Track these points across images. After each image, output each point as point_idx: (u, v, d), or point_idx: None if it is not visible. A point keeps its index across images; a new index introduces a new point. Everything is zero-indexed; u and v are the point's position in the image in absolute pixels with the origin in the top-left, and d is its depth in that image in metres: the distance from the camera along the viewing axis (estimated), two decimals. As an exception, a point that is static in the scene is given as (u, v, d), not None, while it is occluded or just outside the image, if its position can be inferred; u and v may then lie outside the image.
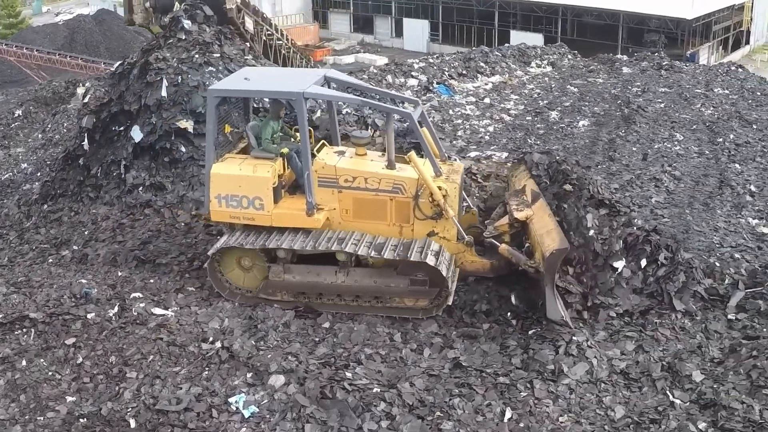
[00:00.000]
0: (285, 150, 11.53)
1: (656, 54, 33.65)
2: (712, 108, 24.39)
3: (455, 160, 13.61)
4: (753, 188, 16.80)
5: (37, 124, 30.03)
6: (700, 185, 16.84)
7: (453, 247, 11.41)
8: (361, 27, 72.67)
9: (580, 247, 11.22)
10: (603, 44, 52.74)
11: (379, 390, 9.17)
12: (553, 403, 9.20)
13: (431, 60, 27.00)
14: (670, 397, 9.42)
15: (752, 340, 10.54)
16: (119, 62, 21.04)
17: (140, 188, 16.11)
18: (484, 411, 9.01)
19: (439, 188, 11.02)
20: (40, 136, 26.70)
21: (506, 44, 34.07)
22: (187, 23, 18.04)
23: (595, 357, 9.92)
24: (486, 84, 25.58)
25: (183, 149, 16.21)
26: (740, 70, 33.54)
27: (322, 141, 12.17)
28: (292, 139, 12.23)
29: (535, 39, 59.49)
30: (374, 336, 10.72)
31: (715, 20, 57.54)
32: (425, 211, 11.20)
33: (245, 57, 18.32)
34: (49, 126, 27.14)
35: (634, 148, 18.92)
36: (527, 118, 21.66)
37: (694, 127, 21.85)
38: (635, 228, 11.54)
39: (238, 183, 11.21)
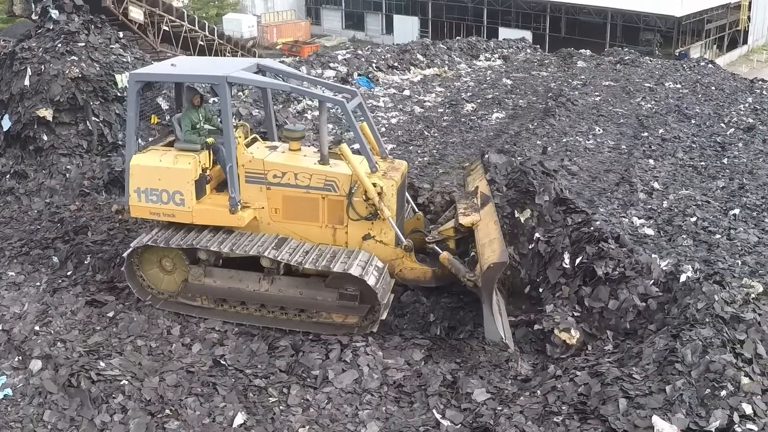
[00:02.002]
0: (210, 139, 10.37)
1: (650, 52, 32.43)
2: (653, 102, 22.92)
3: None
4: (656, 185, 15.30)
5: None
6: (597, 181, 15.38)
7: (390, 252, 10.12)
8: (355, 23, 71.59)
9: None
10: (595, 42, 51.09)
11: (124, 382, 8.59)
12: (303, 412, 8.32)
13: (360, 51, 25.60)
14: (438, 416, 8.14)
15: (566, 359, 9.14)
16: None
17: (7, 176, 15.74)
18: (216, 414, 8.26)
19: (375, 185, 9.75)
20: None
21: (457, 37, 32.56)
22: (54, 13, 17.59)
23: (368, 365, 8.93)
24: (416, 76, 24.13)
25: (45, 138, 15.84)
26: (710, 65, 32.00)
27: (254, 135, 10.96)
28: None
29: (524, 36, 58.19)
30: (152, 328, 10.06)
31: (708, 18, 55.51)
32: (359, 211, 9.91)
33: (111, 46, 17.43)
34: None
35: (539, 142, 17.45)
36: (439, 110, 20.25)
37: (622, 121, 20.37)
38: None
39: (158, 176, 10.06)
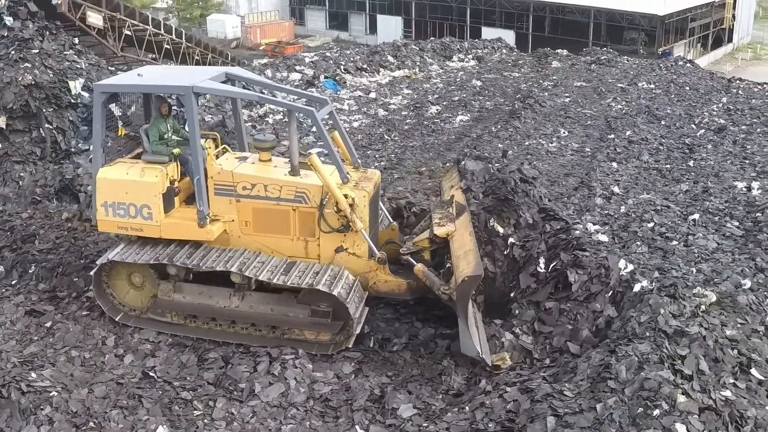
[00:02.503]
0: (176, 150, 10.08)
1: (634, 51, 32.22)
2: (624, 103, 22.58)
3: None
4: (617, 189, 14.95)
5: None
6: (555, 186, 15.02)
7: (363, 265, 9.88)
8: (340, 23, 71.19)
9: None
10: (578, 42, 50.83)
11: (54, 394, 8.47)
12: (226, 426, 8.20)
13: (328, 54, 25.23)
14: (361, 432, 7.90)
15: (501, 371, 8.83)
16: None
17: (-35, 182, 15.55)
18: (138, 427, 8.14)
19: (346, 196, 9.46)
20: None
21: (431, 38, 32.22)
22: (8, 20, 17.37)
23: (295, 379, 8.79)
24: (384, 78, 23.76)
25: (-1, 145, 15.62)
26: (689, 65, 31.72)
27: (224, 146, 10.64)
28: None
29: (507, 36, 57.73)
30: (88, 338, 9.93)
31: (692, 17, 55.26)
32: (331, 223, 9.65)
33: (65, 52, 17.26)
34: None
35: (500, 145, 17.07)
36: (403, 113, 19.88)
37: (590, 122, 20.02)
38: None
39: (125, 189, 9.86)
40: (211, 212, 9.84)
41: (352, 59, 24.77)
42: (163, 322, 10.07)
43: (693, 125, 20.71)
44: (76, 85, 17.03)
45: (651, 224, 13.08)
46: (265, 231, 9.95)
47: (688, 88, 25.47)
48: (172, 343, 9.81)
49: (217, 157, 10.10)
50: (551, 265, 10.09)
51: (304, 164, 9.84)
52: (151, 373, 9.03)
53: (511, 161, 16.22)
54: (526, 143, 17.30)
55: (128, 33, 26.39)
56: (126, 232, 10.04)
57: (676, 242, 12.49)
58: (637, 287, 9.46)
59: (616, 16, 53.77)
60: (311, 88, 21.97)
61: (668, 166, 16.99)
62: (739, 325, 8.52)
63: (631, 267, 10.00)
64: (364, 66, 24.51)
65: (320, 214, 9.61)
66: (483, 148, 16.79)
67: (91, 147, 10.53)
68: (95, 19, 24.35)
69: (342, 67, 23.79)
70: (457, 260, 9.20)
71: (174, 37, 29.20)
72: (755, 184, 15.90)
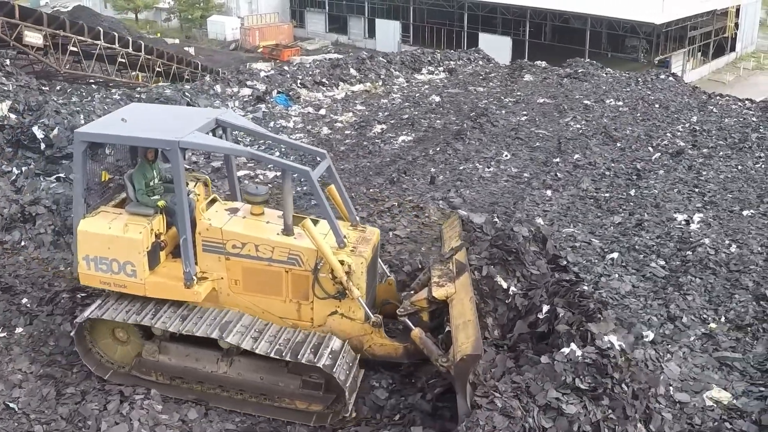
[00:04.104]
0: (161, 203, 9.42)
1: (635, 59, 31.40)
2: (584, 122, 21.85)
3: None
4: (541, 222, 14.25)
5: None
6: (477, 217, 14.30)
7: (358, 328, 9.32)
8: (340, 27, 70.78)
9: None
10: (576, 50, 50.02)
11: None
12: None
13: (286, 67, 24.72)
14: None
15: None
16: None
17: None
18: None
19: (342, 263, 8.91)
20: None
21: (404, 50, 31.63)
22: None
23: (140, 420, 8.56)
24: (341, 93, 23.20)
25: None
26: (671, 78, 30.90)
27: (214, 196, 10.06)
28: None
29: (503, 42, 57.22)
30: None
31: (692, 26, 54.20)
32: (327, 289, 9.10)
33: None
34: None
35: (433, 169, 16.45)
36: (347, 131, 19.29)
37: (539, 144, 19.31)
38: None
39: (107, 244, 9.21)
40: (199, 269, 9.28)
41: (311, 73, 24.20)
42: (149, 381, 9.53)
43: (650, 147, 19.94)
44: (2, 108, 16.72)
45: (563, 263, 12.42)
46: (256, 291, 9.40)
47: (657, 105, 24.63)
48: (42, 374, 9.48)
49: (207, 207, 9.52)
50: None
51: (301, 217, 9.29)
52: (12, 405, 8.79)
53: (438, 188, 15.66)
54: (461, 167, 16.63)
55: (74, 49, 25.96)
56: (109, 287, 9.46)
57: (586, 285, 11.82)
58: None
59: (613, 24, 52.89)
60: (261, 104, 21.45)
61: (607, 194, 16.28)
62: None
63: None
64: (323, 80, 23.91)
65: (315, 279, 9.06)
66: (413, 172, 16.19)
67: (73, 197, 9.67)
68: (33, 38, 24.05)
69: (299, 81, 23.21)
70: (456, 331, 8.56)
71: (131, 50, 28.66)
72: (697, 217, 15.17)
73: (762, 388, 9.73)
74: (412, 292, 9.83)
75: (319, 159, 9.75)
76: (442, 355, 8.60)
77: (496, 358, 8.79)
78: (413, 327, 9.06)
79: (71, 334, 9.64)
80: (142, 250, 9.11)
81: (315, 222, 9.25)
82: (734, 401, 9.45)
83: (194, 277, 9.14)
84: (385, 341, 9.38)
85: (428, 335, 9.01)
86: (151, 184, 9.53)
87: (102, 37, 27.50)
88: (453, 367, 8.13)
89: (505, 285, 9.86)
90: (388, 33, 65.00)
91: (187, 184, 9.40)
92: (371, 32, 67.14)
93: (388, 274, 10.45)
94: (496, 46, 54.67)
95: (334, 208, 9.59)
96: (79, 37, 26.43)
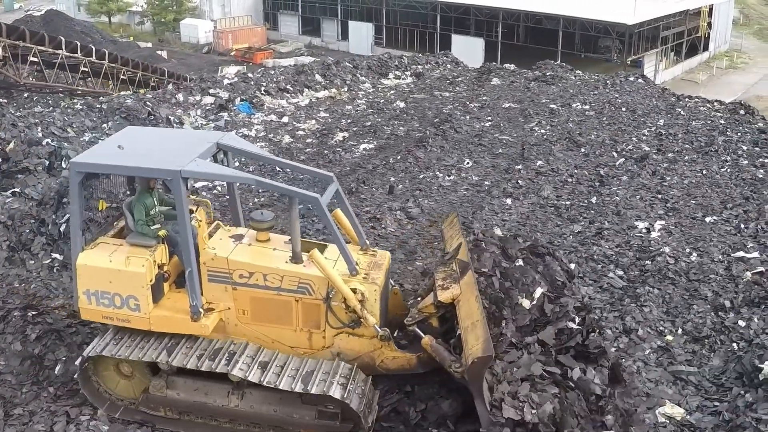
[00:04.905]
0: (162, 232, 8.96)
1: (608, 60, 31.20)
2: (549, 127, 21.65)
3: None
4: (498, 232, 14.02)
5: None
6: (434, 227, 14.08)
7: (367, 344, 8.96)
8: (314, 29, 70.46)
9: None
10: (550, 51, 50.09)
11: None
12: None
13: (250, 74, 24.35)
14: None
15: None
16: None
17: None
18: None
19: (355, 291, 8.57)
20: None
21: (371, 54, 31.39)
22: None
23: None
24: (305, 100, 22.89)
25: None
26: (640, 80, 30.84)
27: (217, 222, 9.63)
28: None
29: (476, 43, 57.17)
30: None
31: (665, 26, 54.38)
32: (341, 318, 8.76)
33: None
34: None
35: (392, 179, 16.18)
36: (308, 140, 18.99)
37: (502, 151, 19.10)
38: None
39: (108, 278, 8.81)
40: (205, 300, 8.89)
41: (275, 79, 23.87)
42: (157, 416, 9.14)
43: (614, 153, 19.79)
44: None
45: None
46: (265, 321, 9.05)
47: (624, 109, 24.50)
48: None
49: (210, 236, 9.11)
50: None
51: (309, 243, 8.97)
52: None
53: (396, 197, 15.40)
54: (421, 176, 16.37)
55: (34, 59, 25.53)
56: (112, 322, 9.01)
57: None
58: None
59: (585, 25, 52.97)
60: (224, 112, 21.11)
61: (568, 202, 16.08)
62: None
63: None
64: (287, 87, 23.58)
65: (328, 308, 8.73)
66: (372, 181, 15.92)
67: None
68: (-9, 49, 23.61)
69: (263, 88, 22.88)
70: (465, 333, 8.28)
71: (94, 58, 28.21)
72: (659, 224, 15.00)
73: (716, 403, 9.57)
74: (419, 299, 9.53)
75: (326, 182, 9.33)
76: (454, 360, 8.32)
77: None
78: (423, 335, 8.75)
79: (75, 376, 9.33)
80: (145, 283, 8.72)
81: (323, 248, 8.97)
82: (688, 417, 9.28)
83: (201, 310, 8.77)
84: (397, 354, 9.03)
85: (440, 341, 8.69)
86: (152, 212, 9.11)
87: (64, 47, 27.05)
88: (466, 372, 7.89)
89: (528, 304, 9.50)
90: (362, 35, 64.80)
91: (191, 211, 9.05)
92: (344, 34, 66.92)
93: (392, 284, 10.16)
94: (469, 48, 54.67)
95: (342, 232, 9.24)
96: (40, 47, 25.95)
